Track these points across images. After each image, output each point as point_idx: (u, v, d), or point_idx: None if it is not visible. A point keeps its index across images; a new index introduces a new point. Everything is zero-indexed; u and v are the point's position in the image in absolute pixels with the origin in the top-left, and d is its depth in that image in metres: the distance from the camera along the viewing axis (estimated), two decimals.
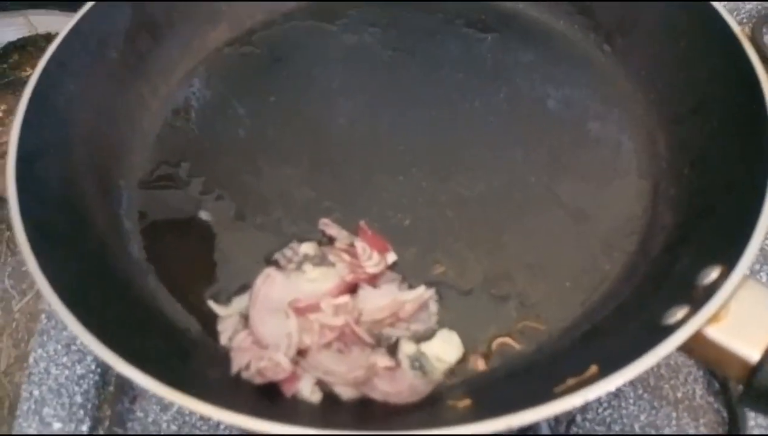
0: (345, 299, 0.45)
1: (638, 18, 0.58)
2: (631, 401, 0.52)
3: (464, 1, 0.65)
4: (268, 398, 0.43)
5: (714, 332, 0.36)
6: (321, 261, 0.48)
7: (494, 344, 0.46)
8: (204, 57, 0.63)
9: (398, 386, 0.42)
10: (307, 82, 0.61)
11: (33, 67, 0.51)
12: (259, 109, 0.59)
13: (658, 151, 0.54)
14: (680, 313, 0.38)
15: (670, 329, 0.37)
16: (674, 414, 0.51)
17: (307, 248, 0.49)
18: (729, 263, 0.38)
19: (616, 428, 0.50)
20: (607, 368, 0.36)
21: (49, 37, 1.01)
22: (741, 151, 0.47)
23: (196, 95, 0.61)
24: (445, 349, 0.44)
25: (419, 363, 0.44)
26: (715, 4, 0.52)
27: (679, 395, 0.52)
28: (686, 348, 0.37)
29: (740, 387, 0.37)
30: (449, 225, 0.52)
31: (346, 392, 0.42)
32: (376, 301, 0.46)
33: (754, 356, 0.35)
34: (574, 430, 0.51)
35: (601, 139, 0.56)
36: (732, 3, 0.74)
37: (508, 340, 0.46)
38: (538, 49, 0.62)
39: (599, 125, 0.57)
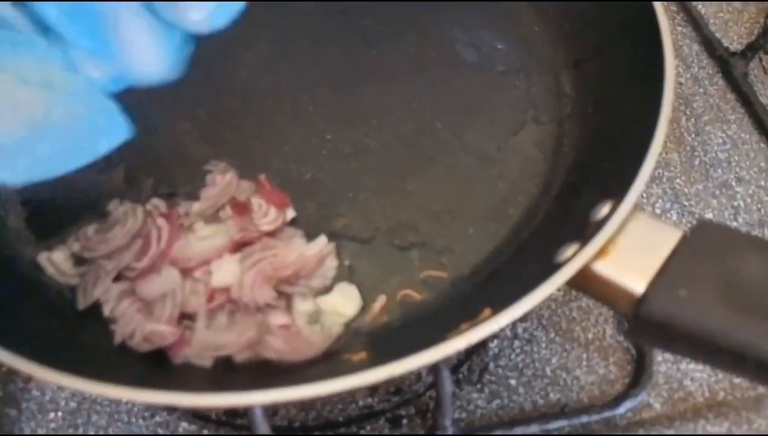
0: (235, 257, 0.43)
1: None
2: (543, 345, 0.51)
3: None
4: (159, 366, 0.41)
5: (601, 267, 0.36)
6: (212, 219, 0.45)
7: (397, 296, 0.45)
8: None
9: (294, 343, 0.41)
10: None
11: None
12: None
13: (564, 92, 0.53)
14: (571, 250, 0.37)
15: (559, 266, 0.36)
16: (585, 355, 0.51)
17: (199, 206, 0.46)
18: (617, 197, 0.38)
19: (529, 373, 0.50)
20: (500, 309, 0.36)
21: None
22: (639, 92, 0.46)
23: None
24: (343, 303, 0.43)
25: (316, 319, 0.42)
26: None
27: (590, 336, 0.52)
28: (577, 285, 0.37)
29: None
30: (353, 176, 0.50)
31: (239, 354, 0.41)
32: (281, 258, 0.44)
33: (638, 288, 0.34)
34: (487, 378, 0.50)
35: (508, 84, 0.55)
36: None
37: (409, 291, 0.44)
38: None
39: (506, 67, 0.55)
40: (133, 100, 0.40)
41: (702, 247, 0.35)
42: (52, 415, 0.49)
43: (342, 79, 0.55)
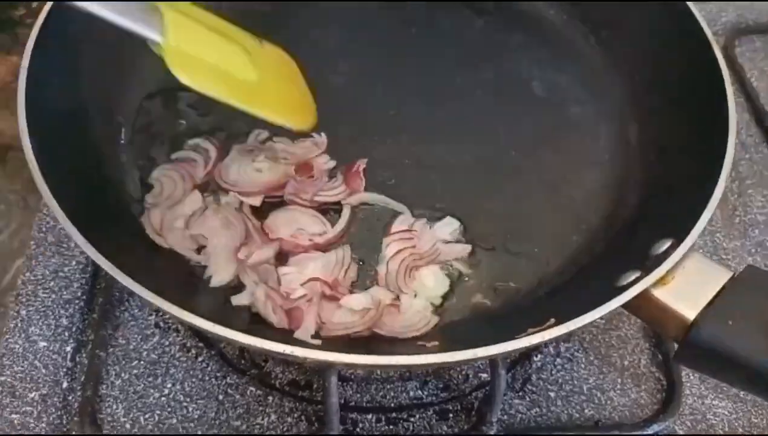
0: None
1: (624, 13, 0.62)
2: (583, 365, 0.56)
3: None
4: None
5: (659, 293, 0.41)
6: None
7: (471, 300, 0.50)
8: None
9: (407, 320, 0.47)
10: (307, 42, 0.64)
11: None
12: None
13: (629, 140, 0.58)
14: (632, 276, 0.42)
15: (622, 289, 0.41)
16: (620, 379, 0.55)
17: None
18: (679, 236, 0.43)
19: (567, 388, 0.55)
20: (564, 320, 0.41)
21: None
22: (701, 147, 0.51)
23: None
24: (435, 285, 0.49)
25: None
26: (693, 9, 0.57)
27: (626, 363, 0.56)
28: (634, 307, 0.42)
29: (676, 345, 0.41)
30: (432, 187, 0.56)
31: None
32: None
33: (690, 315, 0.40)
34: (528, 388, 0.55)
35: (579, 124, 0.60)
36: (708, 14, 0.79)
37: (480, 297, 0.50)
38: (527, 33, 0.66)
39: (579, 111, 0.61)
40: None
41: (749, 286, 0.40)
42: (135, 363, 0.54)
43: (426, 99, 0.61)
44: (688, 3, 0.56)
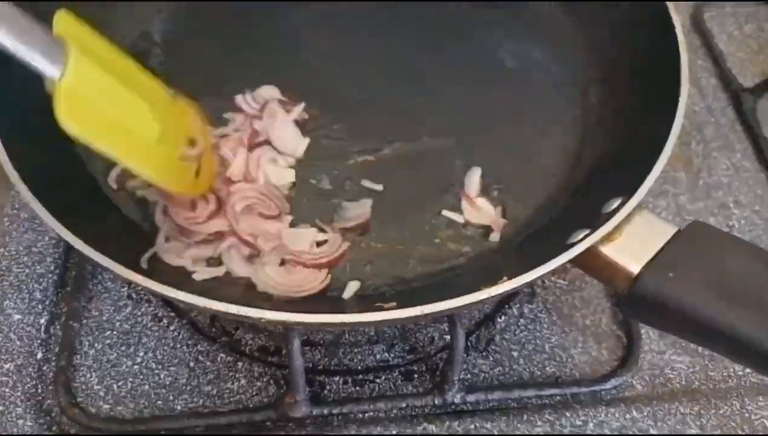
0: None
1: None
2: (545, 325, 0.58)
3: None
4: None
5: (606, 249, 0.42)
6: None
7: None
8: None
9: None
10: (280, 21, 0.64)
11: None
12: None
13: (590, 103, 0.59)
14: (582, 234, 0.44)
15: (571, 246, 0.42)
16: (581, 338, 0.57)
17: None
18: (628, 194, 0.44)
19: (530, 348, 0.56)
20: (515, 276, 0.42)
21: None
22: (656, 109, 0.52)
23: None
24: None
25: None
26: None
27: (588, 322, 0.58)
28: (583, 263, 0.43)
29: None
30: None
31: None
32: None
33: (634, 269, 0.41)
34: (492, 348, 0.56)
35: (542, 90, 0.61)
36: None
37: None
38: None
39: (542, 77, 0.62)
40: None
41: (693, 240, 0.41)
42: (108, 333, 0.56)
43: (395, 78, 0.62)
44: None
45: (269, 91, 0.59)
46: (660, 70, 0.54)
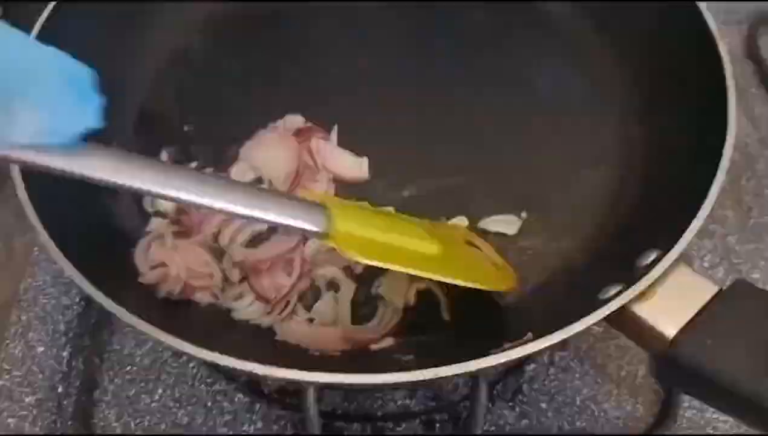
0: None
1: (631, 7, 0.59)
2: (577, 375, 0.54)
3: None
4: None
5: (639, 309, 0.39)
6: None
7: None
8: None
9: None
10: (302, 37, 0.63)
11: None
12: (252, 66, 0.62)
13: (631, 139, 0.56)
14: (615, 290, 0.41)
15: (603, 303, 0.39)
16: (615, 391, 0.54)
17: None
18: (665, 247, 0.41)
19: (559, 399, 0.53)
20: (541, 335, 0.39)
21: None
22: (701, 148, 0.48)
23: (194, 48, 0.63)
24: None
25: None
26: (701, 5, 0.53)
27: (623, 373, 0.54)
28: (615, 322, 0.40)
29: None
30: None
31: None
32: None
33: (670, 333, 0.38)
34: (519, 398, 0.54)
35: (580, 122, 0.58)
36: (729, 4, 0.75)
37: None
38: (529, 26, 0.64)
39: (581, 108, 0.59)
40: None
41: (735, 302, 0.38)
42: (128, 368, 0.55)
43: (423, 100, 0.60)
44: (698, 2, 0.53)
45: (294, 120, 0.58)
46: (706, 104, 0.50)
